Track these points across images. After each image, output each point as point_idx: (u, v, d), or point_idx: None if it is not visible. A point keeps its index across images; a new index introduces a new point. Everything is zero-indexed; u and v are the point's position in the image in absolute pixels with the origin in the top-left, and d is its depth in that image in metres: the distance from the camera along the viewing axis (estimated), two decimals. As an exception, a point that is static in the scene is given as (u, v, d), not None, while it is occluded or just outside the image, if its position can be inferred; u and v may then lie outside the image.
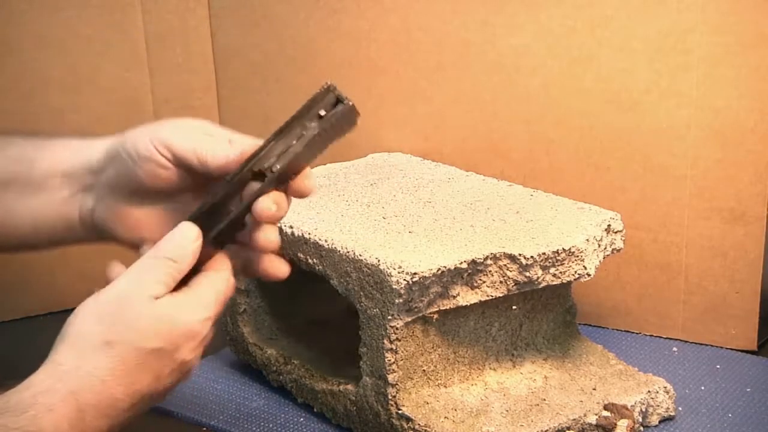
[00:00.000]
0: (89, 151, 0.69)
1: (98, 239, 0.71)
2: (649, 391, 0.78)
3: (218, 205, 0.64)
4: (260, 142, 0.64)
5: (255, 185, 0.63)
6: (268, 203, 0.63)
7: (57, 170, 0.70)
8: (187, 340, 0.62)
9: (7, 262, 1.02)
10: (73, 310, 0.68)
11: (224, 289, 0.64)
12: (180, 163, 0.65)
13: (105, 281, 0.64)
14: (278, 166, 0.63)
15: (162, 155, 0.65)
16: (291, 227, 0.80)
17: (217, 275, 0.64)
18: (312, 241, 0.77)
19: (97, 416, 0.59)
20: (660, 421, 0.80)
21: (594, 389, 0.79)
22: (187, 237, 0.63)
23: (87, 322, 0.60)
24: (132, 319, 0.60)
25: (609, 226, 0.79)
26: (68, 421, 0.58)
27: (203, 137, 0.65)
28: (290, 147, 0.63)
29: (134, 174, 0.66)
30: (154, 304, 0.61)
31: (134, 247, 0.68)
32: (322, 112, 0.64)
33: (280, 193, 0.64)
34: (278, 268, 0.67)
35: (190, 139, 0.65)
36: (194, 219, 0.63)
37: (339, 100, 0.64)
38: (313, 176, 0.66)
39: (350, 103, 0.64)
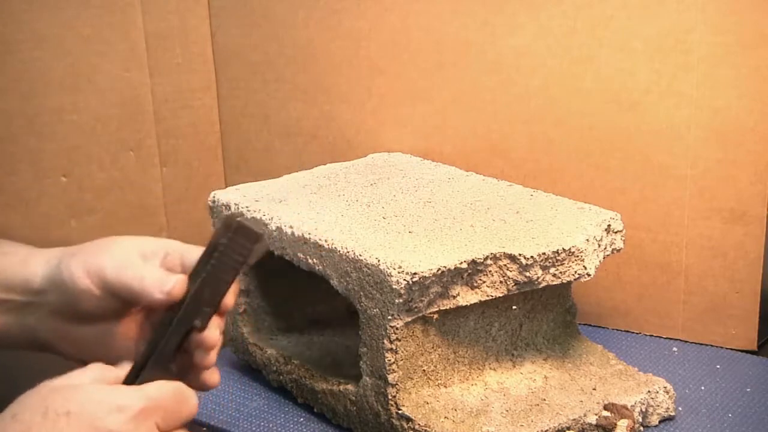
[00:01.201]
0: (29, 269, 0.68)
1: (40, 351, 0.70)
2: (649, 391, 0.78)
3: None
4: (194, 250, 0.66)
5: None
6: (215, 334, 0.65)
7: None
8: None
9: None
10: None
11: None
12: (115, 295, 0.65)
13: None
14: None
15: (96, 286, 0.65)
16: (291, 227, 0.80)
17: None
18: (312, 241, 0.77)
19: None
20: (660, 421, 0.79)
21: (594, 389, 0.79)
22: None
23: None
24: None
25: (609, 226, 0.79)
26: None
27: (137, 268, 0.65)
28: (201, 277, 0.64)
29: (74, 301, 0.66)
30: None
31: (80, 362, 0.65)
32: (223, 240, 0.64)
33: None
34: (213, 378, 0.67)
35: (123, 272, 0.65)
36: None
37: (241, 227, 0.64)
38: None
39: (259, 232, 0.64)
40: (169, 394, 0.59)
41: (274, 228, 0.81)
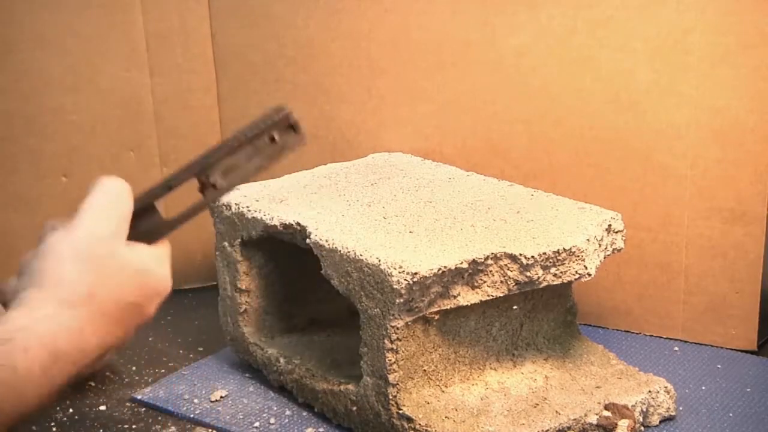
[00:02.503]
0: None
1: None
2: (649, 391, 0.78)
3: (150, 204, 0.66)
4: None
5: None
6: None
7: None
8: (159, 294, 0.65)
9: (8, 260, 1.02)
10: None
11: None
12: None
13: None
14: (224, 184, 0.66)
15: None
16: (291, 227, 0.80)
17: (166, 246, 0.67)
18: (313, 241, 0.77)
19: (68, 363, 0.61)
20: (660, 421, 0.80)
21: (595, 389, 0.79)
22: (125, 191, 0.66)
23: (67, 270, 0.61)
24: (115, 270, 0.62)
25: (610, 225, 0.79)
26: (40, 364, 0.59)
27: None
28: (239, 167, 0.66)
29: None
30: (134, 254, 0.64)
31: None
32: (276, 136, 0.65)
33: None
34: None
35: None
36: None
37: (293, 127, 0.66)
38: None
39: (304, 136, 0.67)
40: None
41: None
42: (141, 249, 0.65)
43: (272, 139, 0.66)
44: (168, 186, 0.66)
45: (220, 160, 0.66)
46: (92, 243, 0.62)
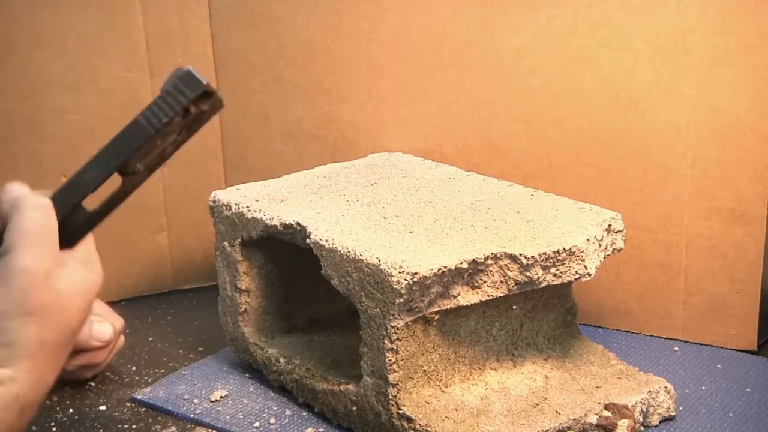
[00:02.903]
0: None
1: None
2: (649, 391, 0.78)
3: (78, 203, 0.64)
4: None
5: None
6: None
7: None
8: (96, 295, 0.64)
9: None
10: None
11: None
12: None
13: None
14: (142, 168, 0.63)
15: None
16: (291, 227, 0.80)
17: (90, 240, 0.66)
18: (312, 240, 0.77)
19: (32, 408, 0.61)
20: (660, 421, 0.80)
21: (595, 389, 0.79)
22: (48, 216, 0.63)
23: (15, 329, 0.59)
24: (61, 308, 0.61)
25: (610, 225, 0.79)
26: (8, 427, 0.58)
27: None
28: (156, 147, 0.62)
29: None
30: (73, 279, 0.62)
31: None
32: (191, 108, 0.61)
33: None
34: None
35: None
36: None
37: (207, 93, 0.61)
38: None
39: (220, 99, 0.62)
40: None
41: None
42: (76, 266, 0.63)
43: (187, 112, 0.61)
44: (88, 190, 0.64)
45: (139, 151, 0.62)
46: (33, 292, 0.60)
